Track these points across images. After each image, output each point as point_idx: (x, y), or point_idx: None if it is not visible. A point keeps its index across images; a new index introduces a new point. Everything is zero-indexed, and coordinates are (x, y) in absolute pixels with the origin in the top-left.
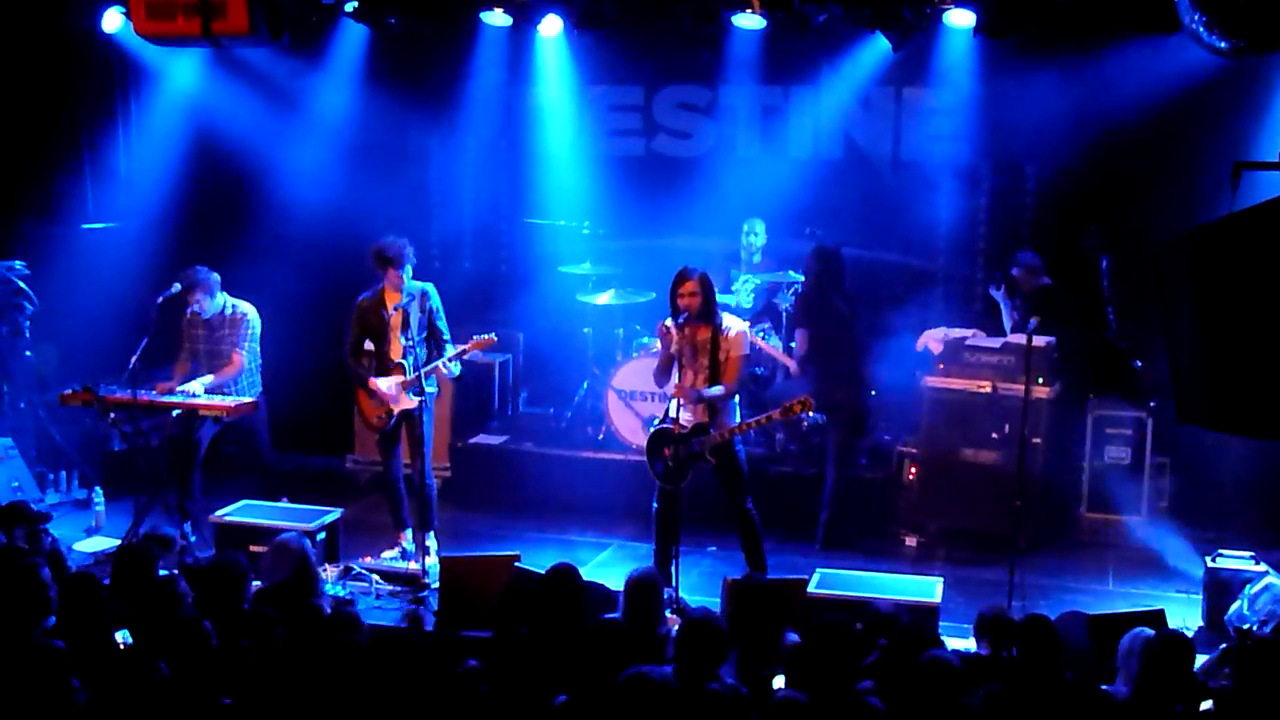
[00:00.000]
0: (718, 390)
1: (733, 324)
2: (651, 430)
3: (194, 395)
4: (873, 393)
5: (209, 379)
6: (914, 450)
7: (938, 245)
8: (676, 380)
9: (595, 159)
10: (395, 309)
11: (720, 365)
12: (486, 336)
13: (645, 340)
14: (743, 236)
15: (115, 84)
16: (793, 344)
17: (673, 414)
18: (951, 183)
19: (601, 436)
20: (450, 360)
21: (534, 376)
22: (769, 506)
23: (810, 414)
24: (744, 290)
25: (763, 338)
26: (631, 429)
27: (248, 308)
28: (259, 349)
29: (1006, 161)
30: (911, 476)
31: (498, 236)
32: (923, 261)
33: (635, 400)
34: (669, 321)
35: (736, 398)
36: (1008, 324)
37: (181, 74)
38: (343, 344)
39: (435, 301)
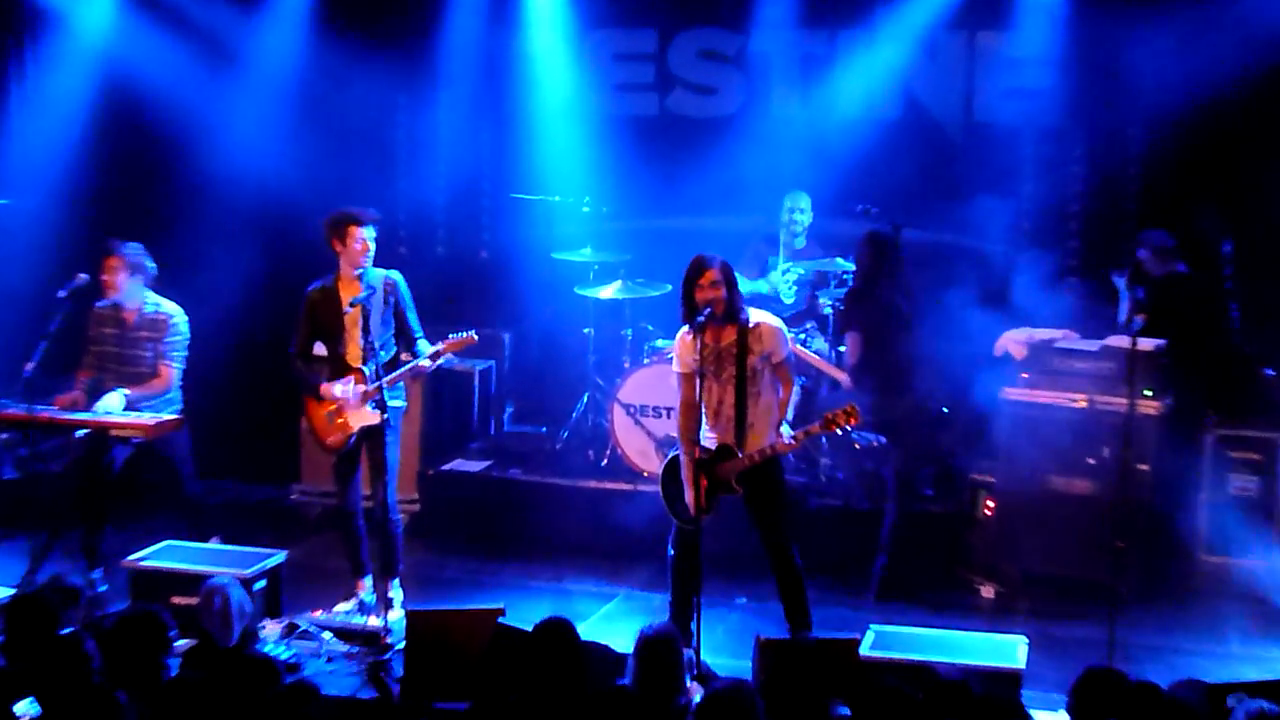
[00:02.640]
0: (775, 405)
1: (763, 318)
2: (668, 454)
3: (109, 412)
4: (943, 409)
5: (127, 393)
6: (991, 479)
7: (1020, 226)
8: (706, 399)
9: (597, 120)
10: (354, 303)
11: (752, 374)
12: (466, 335)
13: (660, 343)
14: (783, 214)
15: (4, 30)
16: (841, 349)
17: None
18: (1037, 149)
19: (605, 462)
20: (423, 366)
21: (522, 388)
22: (813, 547)
23: (856, 428)
24: (785, 281)
25: (803, 343)
26: (642, 452)
27: (173, 309)
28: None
29: (1105, 123)
30: (988, 511)
31: (478, 216)
32: (1001, 246)
33: (647, 417)
34: (686, 330)
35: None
36: (1124, 319)
37: (91, 19)
38: (289, 345)
39: (404, 294)
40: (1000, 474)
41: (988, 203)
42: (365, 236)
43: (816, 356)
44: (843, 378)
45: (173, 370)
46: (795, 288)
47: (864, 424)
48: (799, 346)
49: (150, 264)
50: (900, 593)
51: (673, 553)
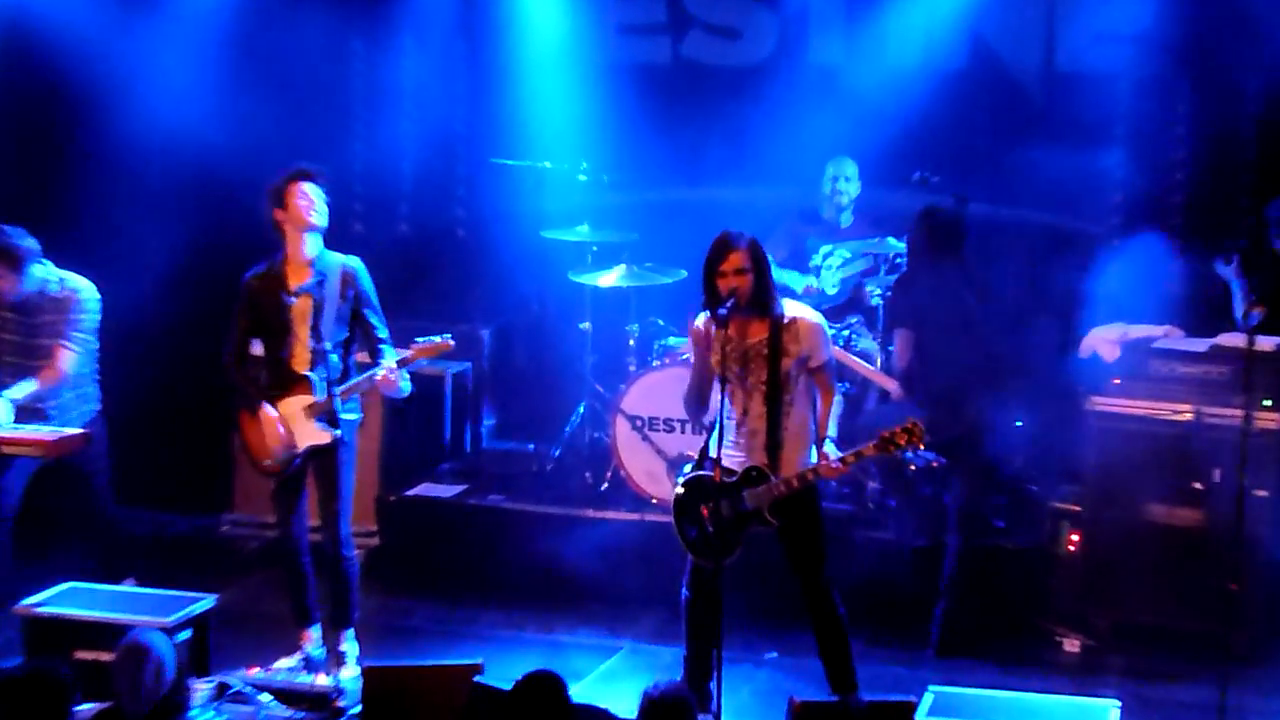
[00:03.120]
0: (812, 419)
1: (800, 312)
2: (681, 478)
3: None
4: (1016, 424)
5: (28, 387)
6: (1076, 508)
7: (1111, 199)
8: (729, 409)
9: (597, 69)
10: (300, 292)
11: (785, 380)
12: (439, 340)
13: (672, 341)
14: (825, 184)
15: None
16: (891, 349)
17: (713, 452)
18: (1133, 105)
19: (606, 485)
20: (390, 373)
21: (505, 395)
22: (858, 591)
23: (920, 450)
24: (827, 267)
25: (846, 343)
26: (651, 474)
27: (81, 283)
28: (97, 346)
29: (1216, 75)
30: (1073, 547)
31: (450, 186)
32: (1088, 223)
33: (657, 431)
34: (703, 318)
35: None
36: (1239, 313)
37: None
38: (223, 346)
39: (366, 286)
40: (1087, 502)
41: (1072, 171)
42: (310, 193)
43: (860, 361)
44: (893, 386)
45: (69, 353)
46: (839, 275)
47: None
48: (839, 349)
49: (30, 241)
50: (965, 646)
51: (688, 595)
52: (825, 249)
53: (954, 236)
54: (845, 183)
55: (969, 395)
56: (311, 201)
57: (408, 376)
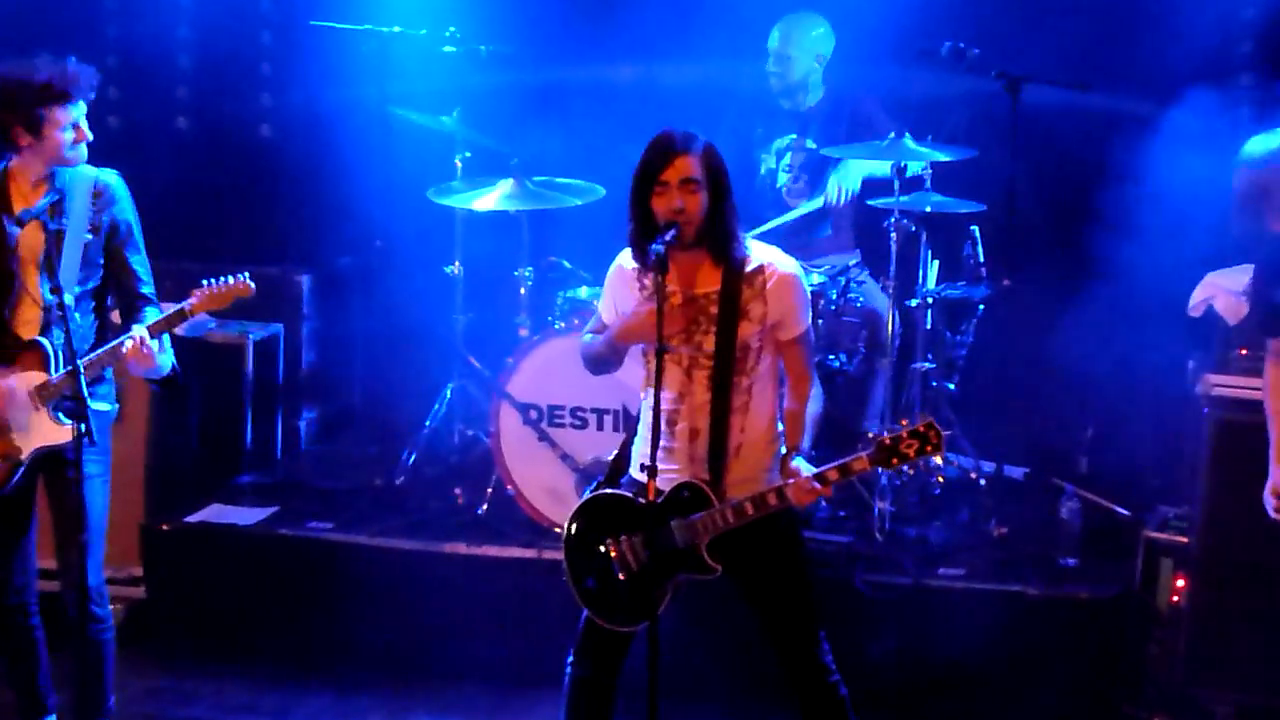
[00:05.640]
0: (779, 414)
1: (772, 257)
2: (586, 493)
3: None
4: (1087, 432)
5: None
6: (1182, 538)
7: (1236, 86)
8: (657, 395)
9: None
10: (27, 218)
11: (742, 354)
12: (233, 282)
13: (584, 293)
14: (770, 53)
15: None
16: (913, 304)
17: (638, 460)
18: None
19: (485, 508)
20: (150, 336)
21: (333, 374)
22: (865, 663)
23: (943, 458)
24: (788, 173)
25: (843, 298)
26: (553, 491)
27: None
28: None
29: None
30: (1178, 597)
31: (251, 61)
32: (1201, 117)
33: (561, 426)
34: (628, 256)
35: (779, 426)
36: None
37: None
38: None
39: (123, 207)
40: (1200, 529)
41: (1174, 40)
42: (75, 119)
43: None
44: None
45: None
46: (799, 185)
47: (949, 442)
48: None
49: None
50: None
51: (577, 672)
52: (779, 145)
53: (1003, 134)
54: (799, 53)
55: (1025, 370)
56: (80, 135)
57: (169, 346)
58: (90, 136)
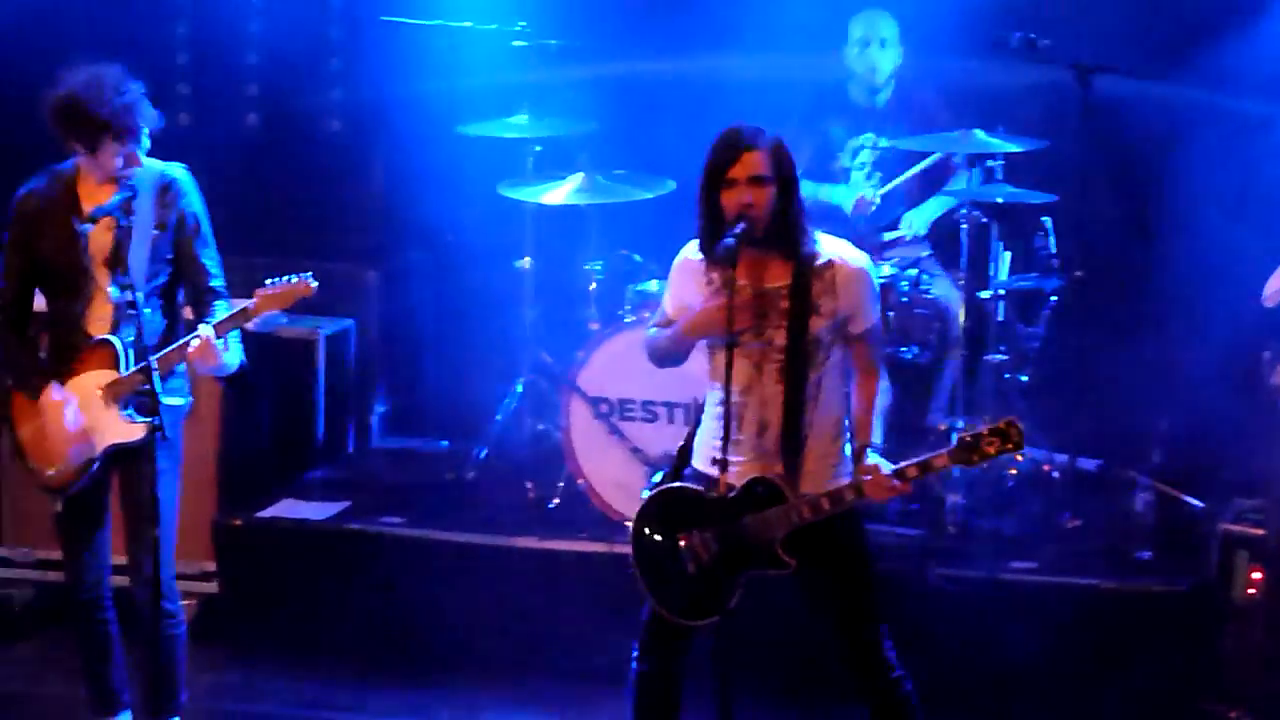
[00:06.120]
0: (847, 409)
1: (840, 250)
2: (648, 491)
3: None
4: (1161, 423)
5: None
6: (1259, 530)
7: None
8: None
9: None
10: (100, 213)
11: (812, 348)
12: (297, 280)
13: (655, 286)
14: (850, 50)
15: None
16: (984, 296)
17: (702, 453)
18: None
19: (556, 502)
20: (219, 333)
21: (404, 369)
22: (936, 661)
23: (1020, 455)
24: (864, 166)
25: (914, 290)
26: (622, 484)
27: None
28: None
29: None
30: (1253, 591)
31: (322, 56)
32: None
33: (632, 419)
34: (694, 249)
35: (845, 421)
36: None
37: None
38: None
39: (192, 203)
40: (1276, 521)
41: (1247, 29)
42: (130, 152)
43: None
44: None
45: None
46: (875, 182)
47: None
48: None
49: None
50: None
51: (641, 668)
52: (855, 143)
53: (1077, 128)
54: (880, 49)
55: (1099, 367)
56: (135, 160)
57: (238, 344)
58: (144, 163)
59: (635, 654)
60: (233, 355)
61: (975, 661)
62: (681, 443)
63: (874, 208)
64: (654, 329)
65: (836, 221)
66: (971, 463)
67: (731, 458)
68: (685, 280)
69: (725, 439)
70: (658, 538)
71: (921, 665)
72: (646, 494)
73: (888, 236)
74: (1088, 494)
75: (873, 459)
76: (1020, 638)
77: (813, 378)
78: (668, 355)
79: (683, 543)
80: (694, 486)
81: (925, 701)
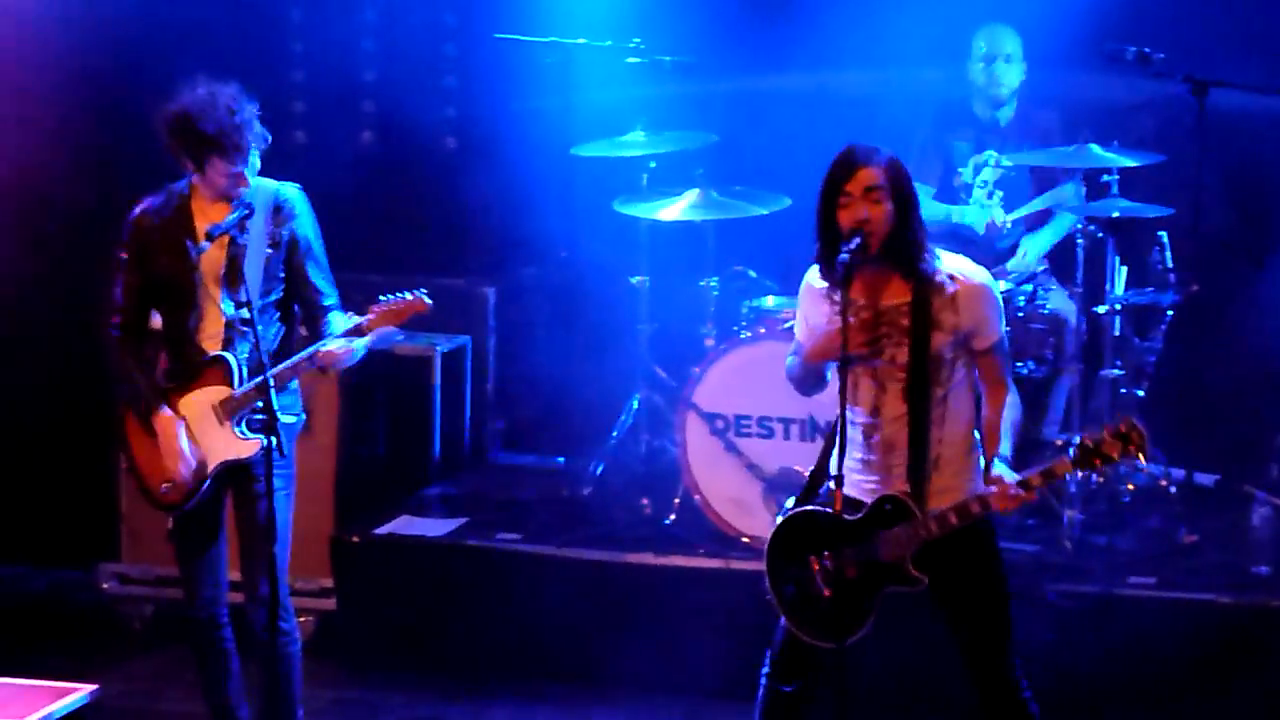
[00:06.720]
0: (975, 425)
1: (961, 268)
2: (782, 515)
3: None
4: (1278, 438)
5: None
6: None
7: None
8: (852, 409)
9: None
10: (216, 233)
11: (936, 365)
12: (412, 297)
13: (770, 302)
14: (974, 65)
15: None
16: (1101, 310)
17: (838, 473)
18: None
19: (673, 518)
20: (334, 353)
21: (520, 385)
22: (1058, 678)
23: (1146, 455)
24: (986, 185)
25: (1025, 308)
26: (739, 501)
27: None
28: None
29: None
30: None
31: (436, 74)
32: None
33: (748, 436)
34: (815, 274)
35: (975, 435)
36: None
37: None
38: (109, 316)
39: (304, 222)
40: None
41: None
42: (237, 171)
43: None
44: None
45: None
46: (997, 202)
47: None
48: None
49: None
50: None
51: (772, 685)
52: (978, 159)
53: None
54: (1004, 64)
55: (1224, 381)
56: (243, 181)
57: (362, 342)
58: (252, 183)
59: (766, 672)
60: (360, 348)
61: (1092, 678)
62: (814, 465)
63: (1006, 229)
64: (791, 357)
65: (966, 242)
66: (1094, 467)
67: (861, 477)
68: (809, 304)
69: (841, 458)
70: (793, 561)
71: (1038, 683)
72: (780, 519)
73: (1009, 265)
74: (1204, 509)
75: (998, 469)
76: (1137, 654)
77: (938, 395)
78: (803, 382)
79: (817, 566)
80: (826, 509)
81: (1043, 717)
